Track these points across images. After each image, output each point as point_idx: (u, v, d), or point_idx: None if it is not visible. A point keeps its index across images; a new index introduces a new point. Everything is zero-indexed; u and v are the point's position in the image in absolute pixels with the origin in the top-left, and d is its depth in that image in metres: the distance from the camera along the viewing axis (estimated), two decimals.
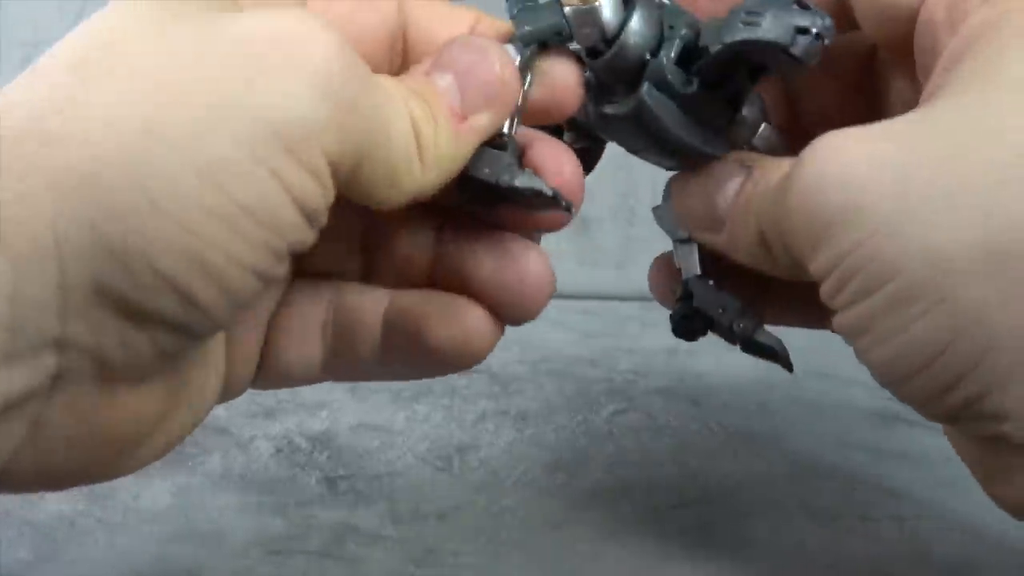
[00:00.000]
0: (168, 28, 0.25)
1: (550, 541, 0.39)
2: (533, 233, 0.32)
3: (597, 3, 0.31)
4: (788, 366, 0.36)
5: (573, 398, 0.53)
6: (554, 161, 0.31)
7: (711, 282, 0.36)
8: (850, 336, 0.29)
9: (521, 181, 0.30)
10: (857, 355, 0.30)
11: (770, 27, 0.30)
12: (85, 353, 0.24)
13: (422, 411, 0.50)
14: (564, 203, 0.30)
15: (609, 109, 0.33)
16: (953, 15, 0.30)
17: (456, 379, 0.53)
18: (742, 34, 0.30)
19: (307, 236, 0.26)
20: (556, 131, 0.34)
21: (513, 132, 0.30)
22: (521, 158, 0.31)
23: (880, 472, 0.45)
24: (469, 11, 0.32)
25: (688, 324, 0.36)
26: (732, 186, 0.32)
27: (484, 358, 0.31)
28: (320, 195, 0.25)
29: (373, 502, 0.41)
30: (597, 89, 0.33)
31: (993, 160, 0.27)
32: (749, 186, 0.32)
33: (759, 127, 0.34)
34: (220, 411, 0.43)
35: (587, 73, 0.32)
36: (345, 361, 0.32)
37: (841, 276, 0.28)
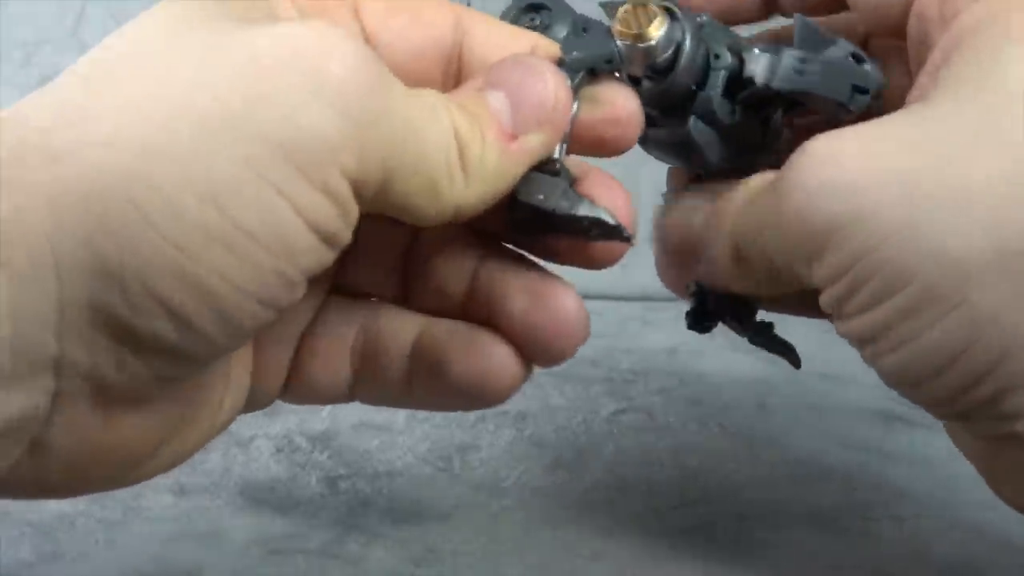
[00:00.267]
0: (182, 40, 0.24)
1: (550, 541, 0.39)
2: (581, 265, 0.31)
3: (653, 41, 0.31)
4: (796, 362, 0.36)
5: (573, 398, 0.53)
6: (608, 192, 0.29)
7: None
8: (861, 342, 0.29)
9: (583, 210, 0.28)
10: (867, 360, 0.29)
11: (830, 84, 0.31)
12: (82, 375, 0.24)
13: (422, 411, 0.50)
14: (626, 234, 0.29)
15: (651, 133, 0.33)
16: (944, 11, 0.30)
17: None
18: (801, 85, 0.31)
19: (325, 258, 0.25)
20: None
21: (563, 158, 0.29)
22: (573, 185, 0.29)
23: (880, 472, 0.45)
24: (528, 32, 0.31)
25: (703, 320, 0.36)
26: (703, 211, 0.33)
27: (507, 397, 0.30)
28: (338, 216, 0.24)
29: (373, 502, 0.41)
30: None
31: (997, 166, 0.27)
32: (721, 203, 0.32)
33: (782, 134, 0.35)
34: None
35: None
36: (372, 387, 0.31)
37: (851, 283, 0.28)
